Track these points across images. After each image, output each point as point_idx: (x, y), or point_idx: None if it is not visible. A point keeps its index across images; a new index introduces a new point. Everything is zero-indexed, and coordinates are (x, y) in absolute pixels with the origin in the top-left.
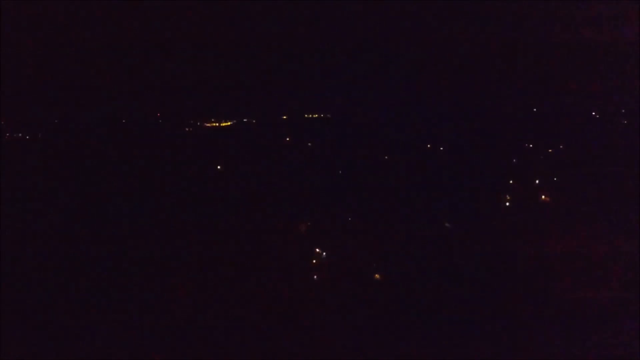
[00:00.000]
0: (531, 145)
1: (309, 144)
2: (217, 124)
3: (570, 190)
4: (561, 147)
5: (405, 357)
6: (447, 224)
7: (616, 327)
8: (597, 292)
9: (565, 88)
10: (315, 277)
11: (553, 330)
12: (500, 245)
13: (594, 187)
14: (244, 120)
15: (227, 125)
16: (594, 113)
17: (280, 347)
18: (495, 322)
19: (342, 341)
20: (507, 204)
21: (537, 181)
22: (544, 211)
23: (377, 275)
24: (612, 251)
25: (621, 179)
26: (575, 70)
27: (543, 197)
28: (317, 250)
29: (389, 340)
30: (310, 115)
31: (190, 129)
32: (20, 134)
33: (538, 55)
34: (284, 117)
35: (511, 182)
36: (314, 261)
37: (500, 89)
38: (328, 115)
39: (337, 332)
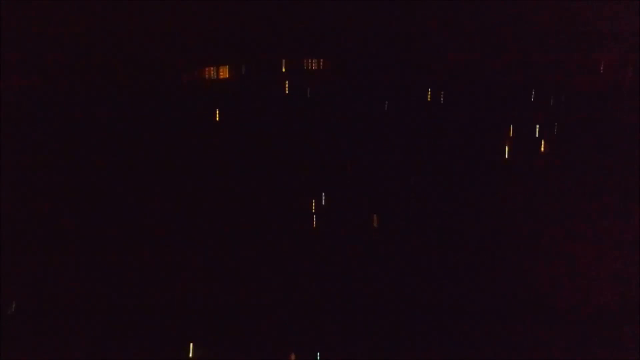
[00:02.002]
0: (533, 93)
1: (308, 94)
2: (213, 73)
3: (571, 140)
4: (562, 98)
5: (401, 309)
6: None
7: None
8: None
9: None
10: (314, 224)
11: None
12: (498, 200)
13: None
14: (241, 69)
15: (223, 74)
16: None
17: (276, 294)
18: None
19: (339, 289)
20: (506, 155)
21: (537, 131)
22: (544, 164)
23: (375, 223)
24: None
25: (624, 128)
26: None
27: (543, 148)
28: (316, 197)
29: (386, 290)
30: (310, 63)
31: (185, 79)
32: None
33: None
34: (282, 66)
35: (511, 131)
36: (313, 208)
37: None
38: (328, 62)
39: (335, 280)
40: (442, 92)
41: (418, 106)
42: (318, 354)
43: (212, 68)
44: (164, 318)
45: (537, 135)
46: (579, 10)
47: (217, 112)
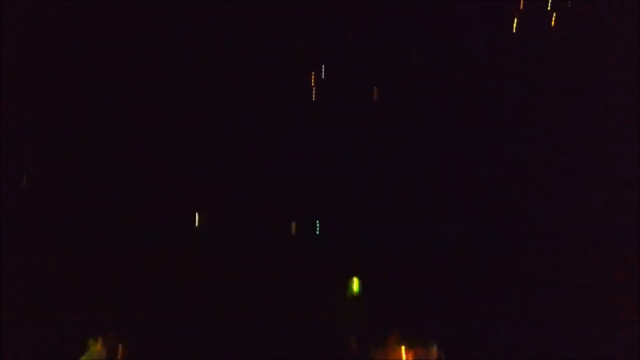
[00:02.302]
0: None
1: None
2: None
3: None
4: None
5: (403, 181)
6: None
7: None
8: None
9: None
10: (313, 98)
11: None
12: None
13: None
14: None
15: None
16: None
17: (275, 168)
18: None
19: (339, 161)
20: (514, 30)
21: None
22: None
23: (375, 95)
24: None
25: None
26: None
27: (552, 24)
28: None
29: (388, 161)
30: None
31: None
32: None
33: None
34: None
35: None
36: (312, 83)
37: None
38: None
39: (334, 152)
40: None
41: None
42: (317, 222)
43: None
44: (168, 191)
45: (548, 8)
46: None
47: None
